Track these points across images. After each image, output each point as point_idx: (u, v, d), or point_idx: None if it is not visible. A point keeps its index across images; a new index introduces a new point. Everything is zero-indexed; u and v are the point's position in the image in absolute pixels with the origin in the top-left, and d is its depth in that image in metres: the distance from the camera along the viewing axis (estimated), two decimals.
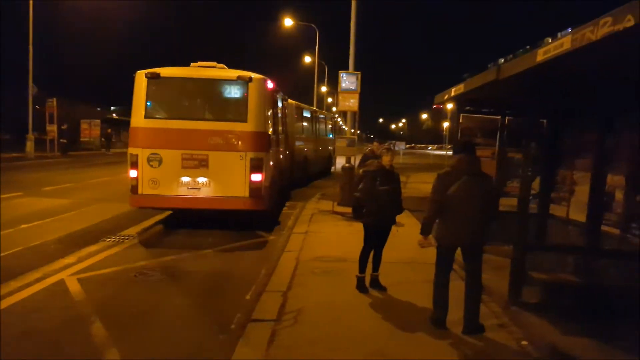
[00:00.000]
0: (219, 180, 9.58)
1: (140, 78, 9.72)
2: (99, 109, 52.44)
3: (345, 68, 14.01)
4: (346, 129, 15.89)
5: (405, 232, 7.93)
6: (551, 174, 8.04)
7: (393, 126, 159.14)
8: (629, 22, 3.25)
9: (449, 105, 8.97)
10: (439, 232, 5.08)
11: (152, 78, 9.72)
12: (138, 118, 9.70)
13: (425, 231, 5.13)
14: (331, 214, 11.72)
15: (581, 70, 5.15)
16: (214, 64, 10.44)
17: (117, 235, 9.07)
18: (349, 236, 9.23)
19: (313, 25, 40.40)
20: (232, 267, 7.46)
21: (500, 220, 8.12)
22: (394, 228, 6.39)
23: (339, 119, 34.42)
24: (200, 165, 9.51)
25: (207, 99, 10.52)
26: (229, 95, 10.27)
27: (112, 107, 68.39)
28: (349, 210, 11.71)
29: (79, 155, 32.35)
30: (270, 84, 10.49)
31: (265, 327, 4.97)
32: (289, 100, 16.71)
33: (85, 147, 37.79)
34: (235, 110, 10.02)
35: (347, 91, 13.68)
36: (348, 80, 13.66)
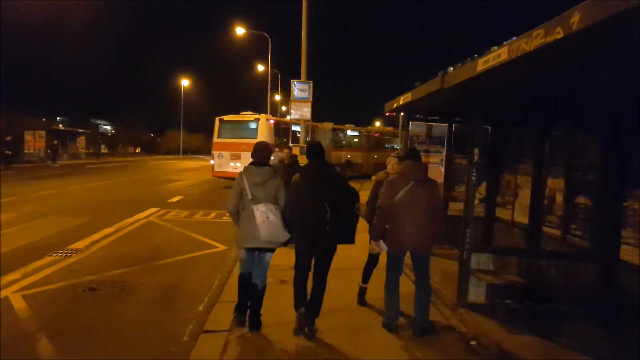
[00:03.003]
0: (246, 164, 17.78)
1: (216, 120, 21.79)
2: (44, 119, 50.63)
3: (300, 77, 14.09)
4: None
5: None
6: (496, 179, 8.34)
7: None
8: (559, 34, 3.44)
9: (402, 113, 9.13)
10: (388, 238, 5.19)
11: (221, 121, 21.74)
12: (215, 137, 21.78)
13: (374, 237, 5.24)
14: None
15: (520, 79, 5.38)
16: (250, 112, 21.92)
17: (63, 250, 8.81)
18: None
19: (265, 34, 40.61)
20: (184, 278, 7.36)
21: (448, 224, 8.36)
22: None
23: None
24: (238, 158, 20.25)
25: (242, 129, 21.45)
26: (251, 127, 21.09)
27: (58, 118, 66.31)
28: None
29: (22, 167, 31.17)
30: (271, 121, 21.82)
31: (218, 337, 4.95)
32: (321, 124, 27.24)
33: (28, 159, 36.28)
34: (253, 133, 20.51)
35: (300, 100, 13.74)
36: (300, 89, 13.73)
